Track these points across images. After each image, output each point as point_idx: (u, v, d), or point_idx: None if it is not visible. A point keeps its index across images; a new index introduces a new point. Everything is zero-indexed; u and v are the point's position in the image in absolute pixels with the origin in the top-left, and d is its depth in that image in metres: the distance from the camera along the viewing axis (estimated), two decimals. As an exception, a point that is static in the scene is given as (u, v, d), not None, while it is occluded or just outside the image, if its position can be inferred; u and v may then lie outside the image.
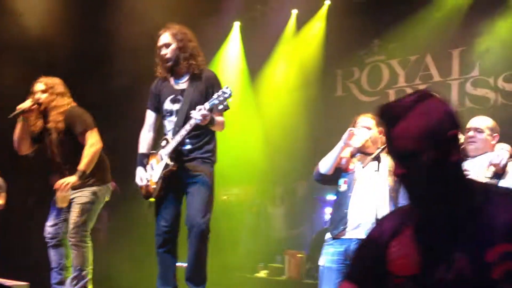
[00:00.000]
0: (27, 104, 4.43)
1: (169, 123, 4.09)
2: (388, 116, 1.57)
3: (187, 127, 3.86)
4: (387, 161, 3.73)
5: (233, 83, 8.58)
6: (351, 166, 3.90)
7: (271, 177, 8.09)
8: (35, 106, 4.46)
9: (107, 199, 4.66)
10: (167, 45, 4.03)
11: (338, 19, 7.85)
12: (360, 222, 3.71)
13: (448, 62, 7.12)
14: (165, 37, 4.05)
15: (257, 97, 8.64)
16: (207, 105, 3.77)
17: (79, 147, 4.43)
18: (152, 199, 4.09)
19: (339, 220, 3.84)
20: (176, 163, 3.97)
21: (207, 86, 4.02)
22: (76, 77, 6.09)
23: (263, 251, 7.51)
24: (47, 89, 4.49)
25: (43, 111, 4.50)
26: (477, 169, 3.59)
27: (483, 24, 6.73)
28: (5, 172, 6.44)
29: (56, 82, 4.58)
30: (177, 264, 4.13)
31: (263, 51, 8.55)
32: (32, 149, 4.63)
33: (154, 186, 4.03)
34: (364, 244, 1.83)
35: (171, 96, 4.09)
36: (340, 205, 3.89)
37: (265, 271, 6.90)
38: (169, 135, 4.04)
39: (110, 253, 6.09)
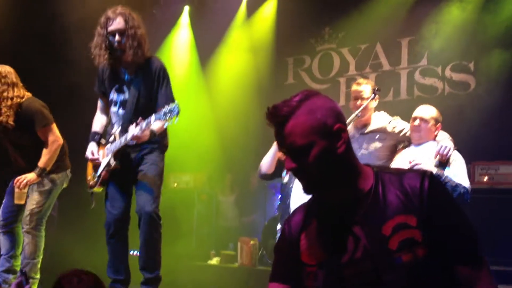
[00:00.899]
0: None
1: (114, 114, 3.99)
2: (278, 117, 1.68)
3: (128, 138, 3.69)
4: None
5: (183, 69, 8.50)
6: None
7: (221, 165, 8.07)
8: None
9: (65, 185, 4.56)
10: (121, 32, 3.78)
11: (289, 6, 7.87)
12: None
13: (397, 51, 7.24)
14: (119, 22, 3.79)
15: (207, 83, 8.58)
16: (152, 119, 3.53)
17: (37, 141, 4.28)
18: (96, 189, 4.02)
19: (284, 210, 4.05)
20: (120, 162, 3.89)
21: (154, 80, 3.87)
22: (26, 62, 5.83)
23: (216, 239, 7.50)
24: None
25: None
26: (422, 156, 3.71)
27: (431, 12, 6.87)
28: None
29: (8, 71, 4.30)
30: (130, 253, 4.09)
31: (214, 37, 8.48)
32: None
33: (96, 179, 3.98)
34: (278, 244, 1.92)
35: (116, 86, 3.98)
36: (284, 196, 4.07)
37: (217, 258, 6.89)
38: (115, 130, 3.93)
39: (62, 239, 5.96)
